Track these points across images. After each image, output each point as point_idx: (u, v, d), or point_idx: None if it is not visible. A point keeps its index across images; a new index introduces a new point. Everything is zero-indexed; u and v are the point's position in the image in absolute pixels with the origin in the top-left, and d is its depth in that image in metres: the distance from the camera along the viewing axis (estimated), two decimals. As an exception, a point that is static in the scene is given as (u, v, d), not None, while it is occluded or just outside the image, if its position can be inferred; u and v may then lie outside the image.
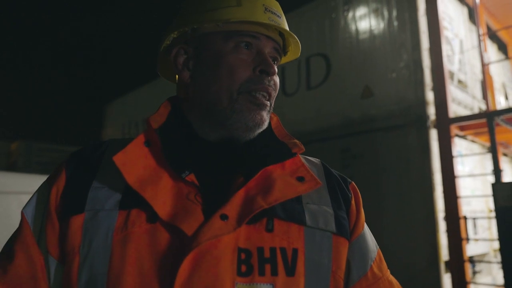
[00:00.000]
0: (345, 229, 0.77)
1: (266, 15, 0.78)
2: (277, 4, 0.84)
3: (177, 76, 0.85)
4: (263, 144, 0.80)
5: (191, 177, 0.70)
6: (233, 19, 0.76)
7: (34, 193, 0.78)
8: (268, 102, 0.79)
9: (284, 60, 0.91)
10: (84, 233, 0.68)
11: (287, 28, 0.81)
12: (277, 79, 0.80)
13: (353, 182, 0.87)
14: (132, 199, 0.69)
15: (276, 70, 0.79)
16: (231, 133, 0.78)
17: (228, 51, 0.77)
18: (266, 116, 0.79)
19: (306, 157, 0.88)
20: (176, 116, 0.81)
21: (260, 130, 0.79)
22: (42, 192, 0.77)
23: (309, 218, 0.74)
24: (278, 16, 0.81)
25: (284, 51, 0.88)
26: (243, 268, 0.65)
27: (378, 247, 0.85)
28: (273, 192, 0.70)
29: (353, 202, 0.83)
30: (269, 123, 0.84)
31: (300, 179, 0.75)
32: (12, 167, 9.90)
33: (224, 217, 0.66)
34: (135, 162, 0.71)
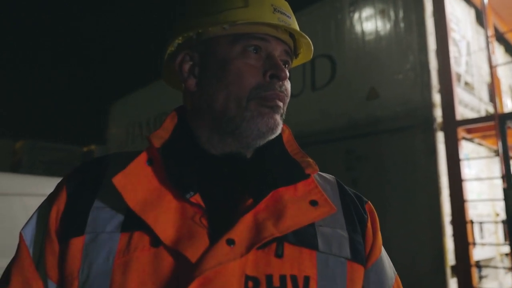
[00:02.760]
0: (361, 255, 0.72)
1: (275, 15, 0.73)
2: (286, 4, 0.79)
3: (183, 84, 0.80)
4: (273, 161, 0.75)
5: (196, 198, 0.66)
6: (239, 21, 0.70)
7: (34, 212, 0.74)
8: (281, 103, 0.73)
9: (296, 63, 0.87)
10: (84, 256, 0.64)
11: (298, 29, 0.76)
12: (288, 84, 0.75)
13: (369, 201, 0.81)
14: (135, 221, 0.64)
15: (288, 74, 0.74)
16: (240, 142, 0.73)
17: (235, 56, 0.72)
18: (279, 120, 0.74)
19: (320, 172, 0.82)
20: (182, 128, 0.76)
21: (273, 136, 0.74)
22: (43, 212, 0.72)
23: (322, 243, 0.68)
24: (287, 16, 0.75)
25: (295, 53, 0.83)
26: None
27: (396, 273, 0.80)
28: (285, 218, 0.66)
29: (369, 224, 0.77)
30: (281, 136, 0.79)
31: (313, 203, 0.69)
32: (16, 165, 10.01)
33: (230, 242, 0.61)
34: (136, 183, 0.67)
